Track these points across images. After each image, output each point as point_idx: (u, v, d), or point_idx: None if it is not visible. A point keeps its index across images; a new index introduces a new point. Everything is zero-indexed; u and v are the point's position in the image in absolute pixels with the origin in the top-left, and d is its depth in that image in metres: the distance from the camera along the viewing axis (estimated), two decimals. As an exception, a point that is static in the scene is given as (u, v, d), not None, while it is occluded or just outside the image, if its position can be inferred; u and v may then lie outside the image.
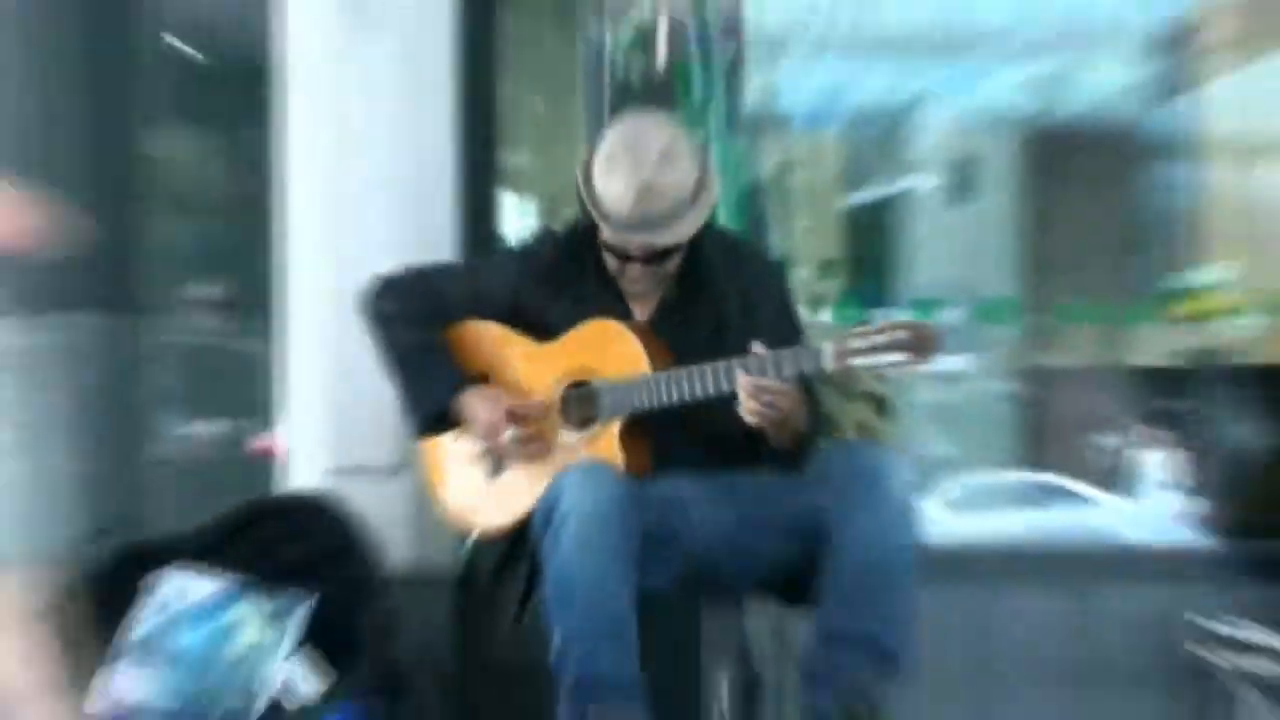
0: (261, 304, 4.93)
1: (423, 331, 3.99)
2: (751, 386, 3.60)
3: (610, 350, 3.83)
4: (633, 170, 3.74)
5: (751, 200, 7.25)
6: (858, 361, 3.50)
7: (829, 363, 3.54)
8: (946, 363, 6.71)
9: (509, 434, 3.87)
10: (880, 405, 5.10)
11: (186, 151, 7.54)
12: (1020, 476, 7.21)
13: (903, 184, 7.79)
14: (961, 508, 6.95)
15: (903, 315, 3.60)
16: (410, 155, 4.76)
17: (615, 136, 3.82)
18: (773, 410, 3.62)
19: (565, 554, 3.56)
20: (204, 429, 6.36)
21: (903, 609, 3.62)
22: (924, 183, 7.76)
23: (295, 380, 4.79)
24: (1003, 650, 4.74)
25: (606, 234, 3.83)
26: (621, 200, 3.76)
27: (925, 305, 6.31)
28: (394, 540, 4.46)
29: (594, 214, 3.80)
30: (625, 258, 3.86)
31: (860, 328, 3.52)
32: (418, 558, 4.61)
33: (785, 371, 3.59)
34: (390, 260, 4.48)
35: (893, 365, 3.46)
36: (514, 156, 6.52)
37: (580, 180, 3.84)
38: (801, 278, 7.12)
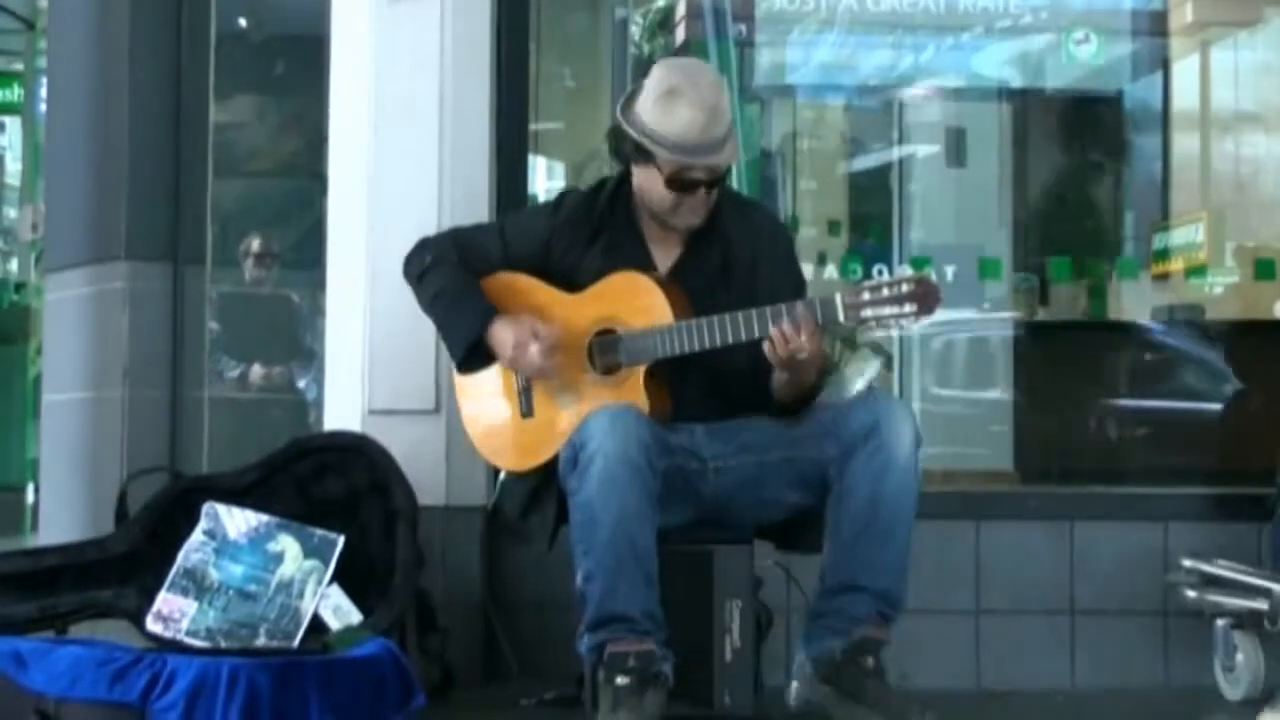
0: (319, 257, 4.75)
1: (456, 275, 3.85)
2: (786, 331, 3.48)
3: (636, 301, 3.70)
4: (698, 98, 3.62)
5: (763, 165, 7.17)
6: (867, 313, 3.43)
7: (841, 314, 3.45)
8: (944, 316, 6.60)
9: (534, 350, 3.70)
10: (883, 355, 4.97)
11: (255, 118, 7.44)
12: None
13: (901, 151, 7.64)
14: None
15: (911, 270, 3.41)
16: (450, 121, 4.58)
17: (666, 73, 3.70)
18: (803, 354, 3.50)
19: (591, 492, 3.46)
20: (259, 372, 6.24)
21: (902, 556, 3.56)
22: (921, 150, 7.58)
23: (336, 327, 4.65)
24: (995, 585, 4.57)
25: (673, 164, 3.66)
26: (692, 125, 3.62)
27: (921, 263, 6.15)
28: (427, 477, 4.31)
29: (657, 151, 3.65)
30: (690, 186, 3.69)
31: (869, 281, 3.47)
32: (450, 494, 4.47)
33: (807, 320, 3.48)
34: (428, 217, 4.42)
35: (899, 316, 3.41)
36: (544, 124, 6.41)
37: (628, 125, 3.69)
38: (809, 236, 7.04)
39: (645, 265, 3.77)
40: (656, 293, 3.67)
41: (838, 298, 3.45)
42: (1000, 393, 6.38)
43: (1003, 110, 7.37)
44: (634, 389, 3.66)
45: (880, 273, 5.86)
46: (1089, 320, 6.40)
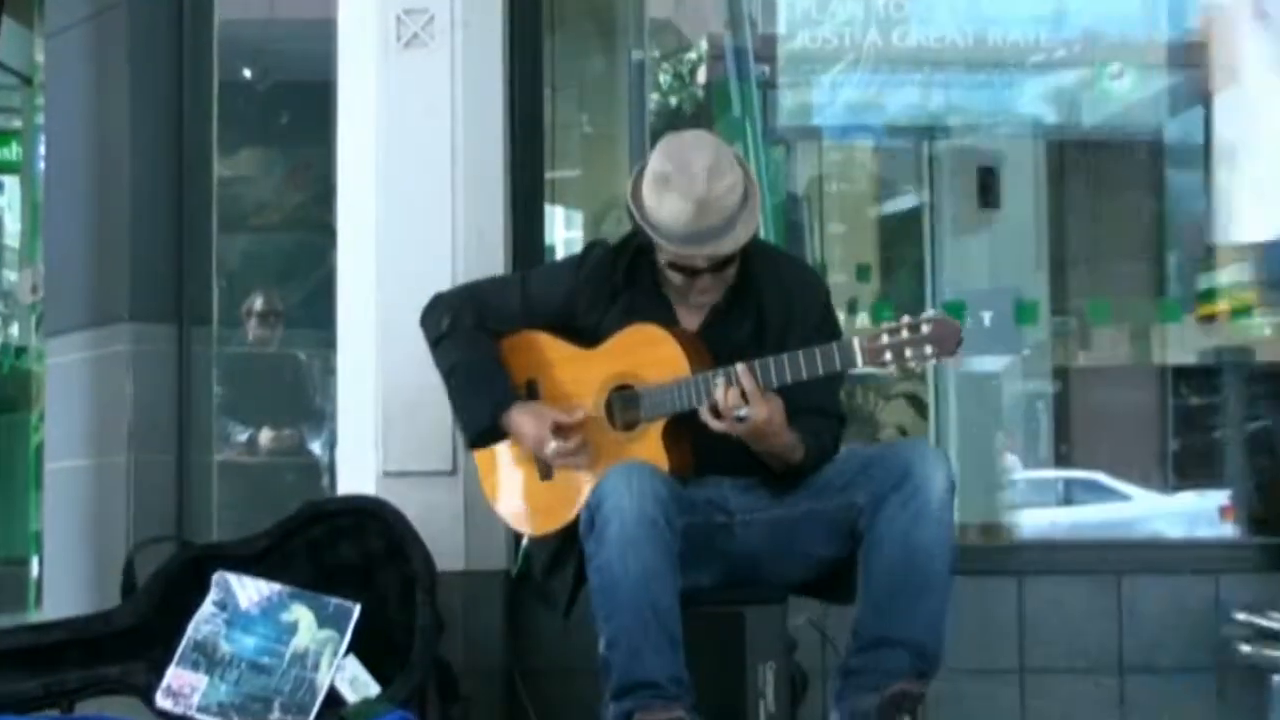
0: (328, 314, 4.76)
1: (472, 347, 3.87)
2: (728, 391, 3.51)
3: (652, 353, 3.71)
4: (686, 189, 3.61)
5: (789, 209, 7.17)
6: (886, 357, 3.45)
7: (859, 358, 3.48)
8: (981, 364, 6.61)
9: (552, 447, 3.73)
10: (917, 407, 4.97)
11: (260, 170, 7.45)
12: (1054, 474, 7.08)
13: (932, 192, 7.63)
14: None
15: (933, 311, 3.44)
16: (462, 170, 4.59)
17: (661, 158, 3.68)
18: (740, 424, 3.51)
19: (609, 554, 3.45)
20: (268, 435, 6.24)
21: (938, 609, 3.53)
22: (953, 190, 7.58)
23: (348, 386, 4.66)
24: (1041, 642, 4.56)
25: (669, 252, 3.69)
26: (680, 216, 3.62)
27: (957, 308, 6.12)
28: (445, 541, 4.31)
29: (653, 236, 3.67)
30: (692, 272, 3.72)
31: (888, 324, 3.47)
32: (469, 557, 4.47)
33: (819, 370, 3.50)
34: (442, 270, 4.44)
35: (920, 359, 3.43)
36: (561, 171, 6.42)
37: (631, 205, 3.71)
38: (838, 282, 7.04)
39: (670, 324, 3.77)
40: (672, 344, 3.68)
41: (855, 342, 3.47)
42: (1043, 442, 6.38)
43: (1037, 148, 7.36)
44: (653, 444, 3.67)
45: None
46: (1131, 365, 6.39)
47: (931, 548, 3.49)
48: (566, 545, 3.70)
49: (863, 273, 7.25)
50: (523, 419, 3.78)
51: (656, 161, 3.68)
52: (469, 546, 4.45)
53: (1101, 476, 7.23)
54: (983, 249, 7.43)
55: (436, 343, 3.91)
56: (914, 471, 3.52)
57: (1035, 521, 6.81)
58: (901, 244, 7.65)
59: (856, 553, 3.57)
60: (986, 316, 5.85)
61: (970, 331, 6.49)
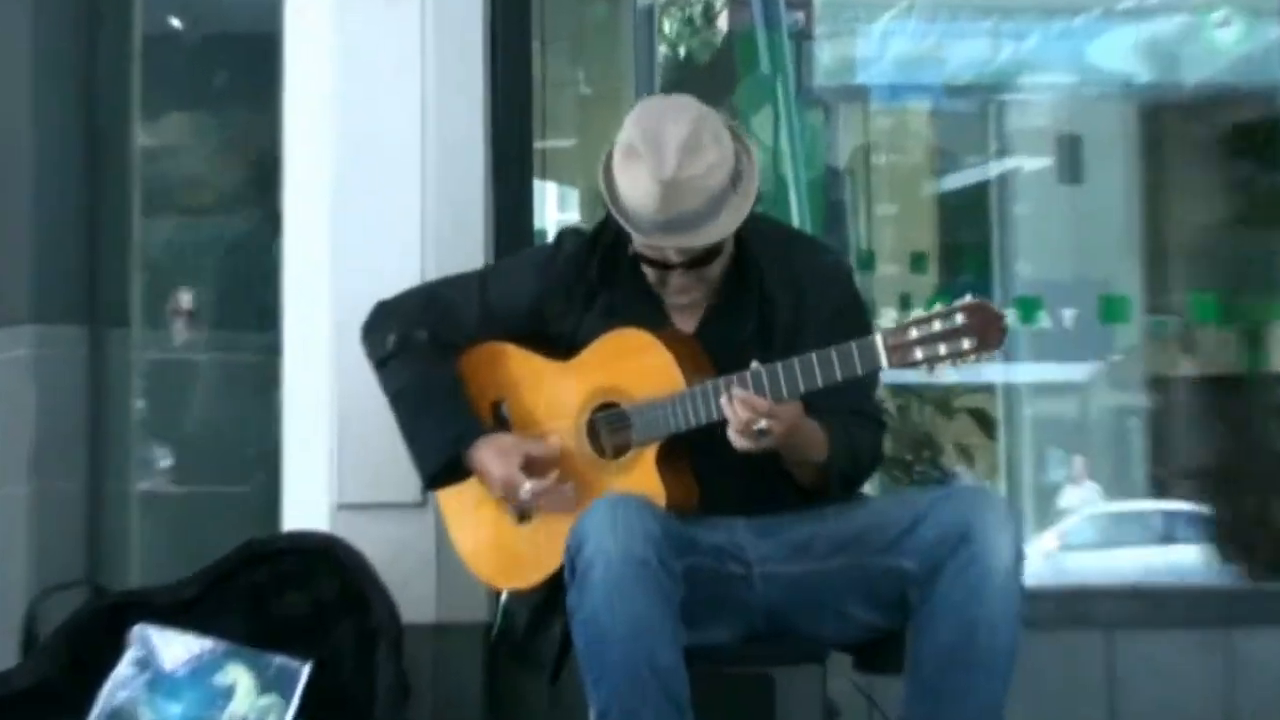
0: (272, 313, 4.80)
1: (425, 368, 3.88)
2: (738, 407, 3.48)
3: (639, 363, 3.69)
4: (654, 166, 3.58)
5: (828, 186, 7.18)
6: (916, 355, 3.38)
7: (883, 358, 3.41)
8: (1061, 372, 6.62)
9: (526, 488, 3.72)
10: (984, 422, 4.97)
11: (191, 140, 7.47)
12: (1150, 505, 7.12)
13: (1002, 165, 7.66)
14: (1082, 543, 6.85)
15: (971, 296, 3.39)
16: (435, 140, 4.62)
17: (632, 128, 3.65)
18: (764, 438, 3.48)
19: (594, 605, 3.42)
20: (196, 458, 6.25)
21: (998, 694, 3.50)
22: (1027, 164, 7.58)
23: (295, 400, 4.69)
24: (1133, 707, 4.58)
25: (637, 241, 3.69)
26: (646, 202, 3.60)
27: (1031, 304, 6.13)
28: (413, 587, 4.34)
29: (621, 222, 3.66)
30: (664, 266, 3.71)
31: (915, 315, 3.41)
32: (441, 607, 4.49)
33: (836, 375, 3.45)
34: (410, 261, 4.47)
35: (956, 355, 3.35)
36: (553, 141, 6.44)
37: (602, 181, 3.69)
38: (889, 274, 7.05)
39: (660, 326, 3.75)
40: (660, 352, 3.66)
41: (878, 339, 3.41)
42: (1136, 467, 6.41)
43: (1127, 112, 7.38)
44: (647, 474, 3.65)
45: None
46: (1244, 372, 6.41)
47: (994, 624, 3.46)
48: (552, 599, 3.67)
49: (918, 262, 7.24)
50: (487, 455, 3.76)
51: (626, 131, 3.66)
52: (441, 594, 4.46)
53: (1206, 509, 7.24)
54: (1063, 233, 7.47)
55: (382, 363, 3.91)
56: (973, 533, 3.48)
57: (1127, 563, 6.81)
58: (964, 228, 7.67)
59: (904, 623, 3.55)
60: (1067, 315, 5.88)
61: (1047, 334, 6.59)
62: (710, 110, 3.70)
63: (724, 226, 3.63)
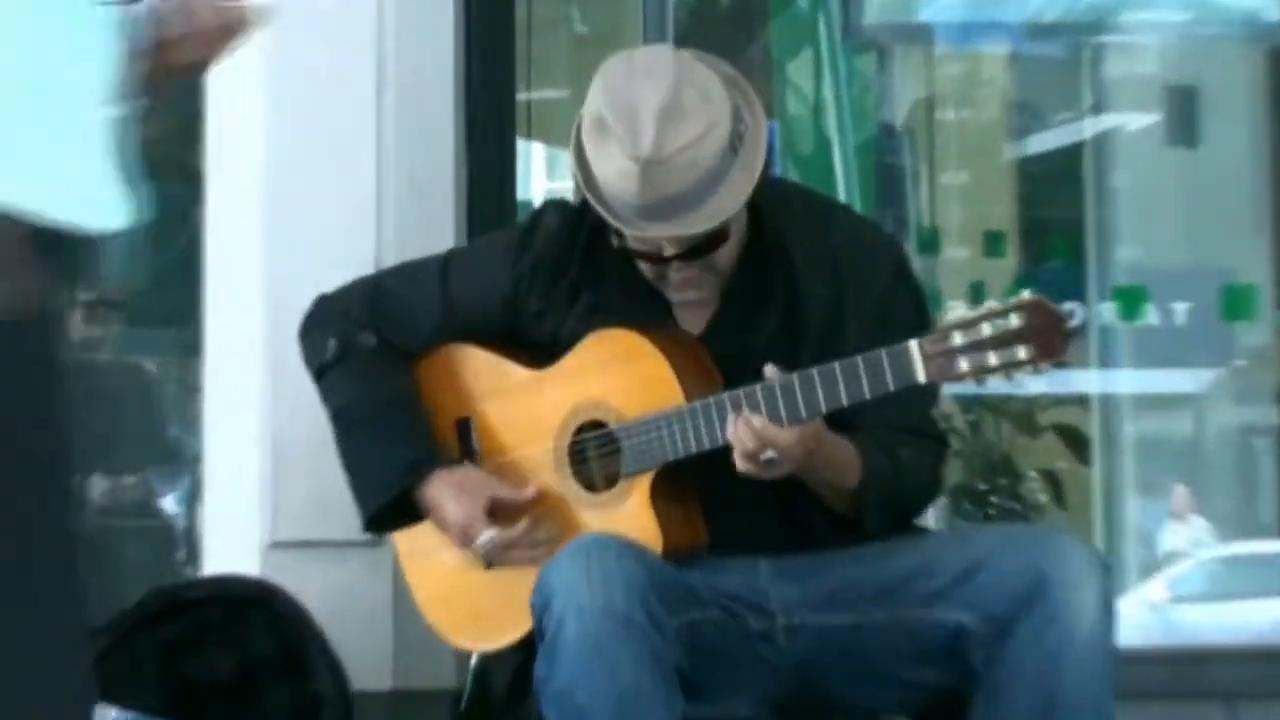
0: (191, 304, 4.86)
1: (372, 379, 3.86)
2: (741, 432, 3.45)
3: (631, 372, 3.69)
4: (629, 142, 3.53)
5: (880, 149, 7.18)
6: (962, 365, 3.37)
7: (919, 370, 3.40)
8: (1172, 380, 6.62)
9: (485, 537, 3.69)
10: (1075, 442, 4.94)
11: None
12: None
13: (1099, 123, 7.66)
14: (1198, 594, 6.78)
15: (1028, 293, 3.37)
16: (394, 91, 4.66)
17: (598, 95, 3.61)
18: (774, 467, 3.46)
19: (567, 673, 3.39)
20: (100, 484, 6.25)
21: None
22: (1130, 122, 7.60)
23: (219, 412, 4.73)
24: None
25: (619, 228, 3.66)
26: (624, 185, 3.56)
27: (1135, 296, 6.11)
28: (365, 645, 4.38)
29: (598, 209, 3.63)
30: (658, 258, 3.67)
31: (958, 317, 3.41)
32: (399, 670, 4.52)
33: (864, 391, 3.43)
34: (363, 239, 4.51)
35: (1010, 365, 3.34)
36: (541, 92, 6.42)
37: (574, 162, 3.66)
38: (957, 258, 7.06)
39: (662, 325, 3.74)
40: (657, 359, 3.64)
41: (914, 348, 3.40)
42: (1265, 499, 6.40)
43: (1253, 59, 7.37)
44: (639, 510, 3.64)
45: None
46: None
47: (1078, 700, 3.44)
48: (533, 661, 3.59)
49: (994, 243, 7.29)
50: (444, 493, 3.73)
51: (592, 99, 3.62)
52: (400, 654, 4.48)
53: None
54: (1174, 208, 7.47)
55: (321, 372, 3.89)
56: (1049, 586, 3.45)
57: (1251, 619, 6.82)
58: (1052, 201, 7.69)
59: (965, 682, 3.51)
60: (1180, 309, 5.88)
61: (1155, 332, 6.61)
62: (692, 59, 3.65)
63: (725, 206, 3.60)
